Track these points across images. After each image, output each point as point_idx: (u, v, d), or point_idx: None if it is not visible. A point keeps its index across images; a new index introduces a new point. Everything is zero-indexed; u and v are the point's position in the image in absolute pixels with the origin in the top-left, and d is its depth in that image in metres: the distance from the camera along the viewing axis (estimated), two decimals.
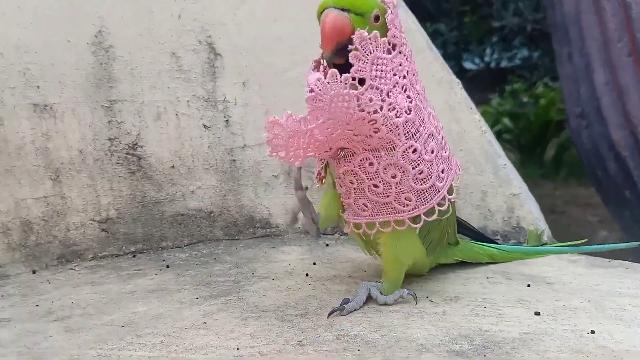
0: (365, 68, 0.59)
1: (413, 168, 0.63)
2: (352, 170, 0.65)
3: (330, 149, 0.64)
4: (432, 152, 0.65)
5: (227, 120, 0.99)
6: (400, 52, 0.62)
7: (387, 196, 0.64)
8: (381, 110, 0.60)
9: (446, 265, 0.79)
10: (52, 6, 0.90)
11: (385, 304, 0.67)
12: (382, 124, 0.60)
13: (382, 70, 0.60)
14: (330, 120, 0.59)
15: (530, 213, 0.92)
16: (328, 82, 0.58)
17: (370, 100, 0.59)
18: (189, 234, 0.97)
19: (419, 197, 0.65)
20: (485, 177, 0.94)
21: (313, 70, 0.65)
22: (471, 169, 0.95)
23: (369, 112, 0.59)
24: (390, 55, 0.61)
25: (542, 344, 0.57)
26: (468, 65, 4.32)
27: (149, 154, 0.95)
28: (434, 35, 3.85)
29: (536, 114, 3.68)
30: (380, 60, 0.60)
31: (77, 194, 0.91)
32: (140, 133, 0.95)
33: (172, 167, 0.97)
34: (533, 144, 3.42)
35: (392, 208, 0.65)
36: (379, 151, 0.63)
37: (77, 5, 0.91)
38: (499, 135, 3.91)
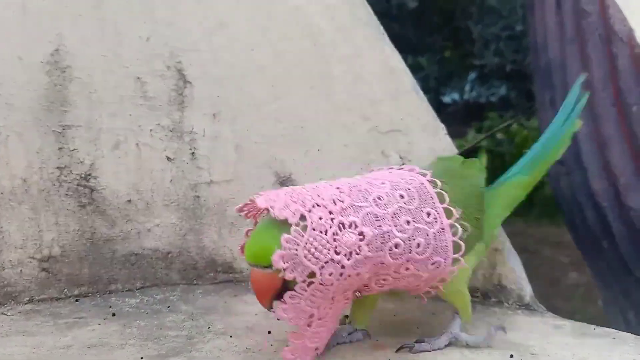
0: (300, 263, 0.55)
1: (413, 253, 0.60)
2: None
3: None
4: (408, 222, 0.59)
5: (193, 153, 0.91)
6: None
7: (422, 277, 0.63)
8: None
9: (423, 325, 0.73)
10: (3, 18, 0.82)
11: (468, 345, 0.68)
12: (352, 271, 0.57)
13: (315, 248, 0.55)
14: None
15: (513, 271, 0.86)
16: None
17: (330, 274, 0.55)
18: (142, 277, 0.88)
19: (437, 252, 0.62)
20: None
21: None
22: None
23: (337, 279, 0.56)
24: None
25: None
26: (446, 99, 4.35)
27: (103, 186, 0.87)
28: (414, 68, 3.86)
29: (510, 153, 3.70)
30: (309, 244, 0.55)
31: (16, 227, 0.81)
32: (95, 163, 0.86)
33: (129, 201, 0.88)
34: None
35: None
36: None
37: (33, 20, 0.83)
38: None
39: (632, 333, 0.78)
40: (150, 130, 0.90)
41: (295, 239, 0.54)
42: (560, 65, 1.61)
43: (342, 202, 0.57)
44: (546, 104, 1.80)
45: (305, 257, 0.54)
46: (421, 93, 0.91)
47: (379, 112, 0.89)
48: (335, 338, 0.67)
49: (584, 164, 1.58)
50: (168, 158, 0.90)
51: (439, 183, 0.65)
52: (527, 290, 0.85)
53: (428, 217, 0.61)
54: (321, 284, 0.55)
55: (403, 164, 0.89)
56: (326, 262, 0.54)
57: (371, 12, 0.92)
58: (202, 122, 0.91)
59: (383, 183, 0.61)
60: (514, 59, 3.37)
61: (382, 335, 0.71)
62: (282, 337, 0.70)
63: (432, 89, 3.78)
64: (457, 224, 0.63)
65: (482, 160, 0.80)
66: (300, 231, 0.54)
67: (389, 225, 0.58)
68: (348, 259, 0.55)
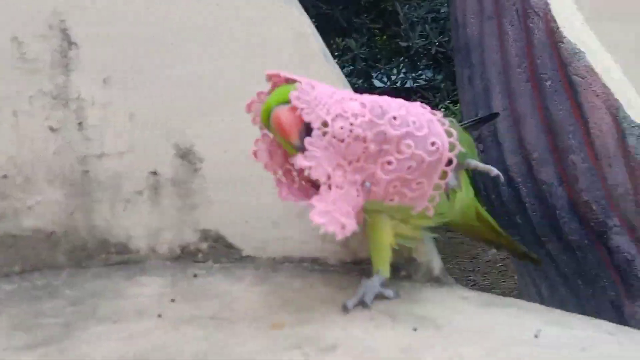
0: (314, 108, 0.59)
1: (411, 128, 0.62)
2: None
3: None
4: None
5: (80, 123, 0.82)
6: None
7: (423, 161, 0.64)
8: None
9: (327, 302, 0.69)
10: None
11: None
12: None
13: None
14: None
15: (423, 245, 0.84)
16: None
17: (341, 127, 0.59)
18: (21, 260, 0.79)
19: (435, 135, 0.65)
20: None
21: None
22: None
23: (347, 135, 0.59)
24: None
25: None
26: (377, 83, 4.36)
27: None
28: (343, 50, 3.84)
29: None
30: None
31: None
32: None
33: (5, 176, 0.79)
34: None
35: None
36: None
37: None
38: None
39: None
40: (30, 96, 0.80)
41: (306, 91, 0.60)
42: (479, 42, 1.62)
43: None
44: (465, 82, 1.82)
45: (316, 106, 0.59)
46: (330, 58, 0.86)
47: None
48: (371, 287, 0.70)
49: (500, 139, 1.61)
50: (51, 128, 0.81)
51: (447, 123, 0.67)
52: (437, 264, 0.84)
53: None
54: (334, 137, 0.58)
55: None
56: (336, 115, 0.59)
57: None
58: (91, 88, 0.82)
59: (401, 107, 0.63)
60: (440, 41, 3.41)
61: (282, 312, 0.67)
62: (173, 320, 0.64)
63: (362, 72, 3.78)
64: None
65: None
66: (310, 87, 0.60)
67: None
68: (355, 119, 0.59)
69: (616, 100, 1.28)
